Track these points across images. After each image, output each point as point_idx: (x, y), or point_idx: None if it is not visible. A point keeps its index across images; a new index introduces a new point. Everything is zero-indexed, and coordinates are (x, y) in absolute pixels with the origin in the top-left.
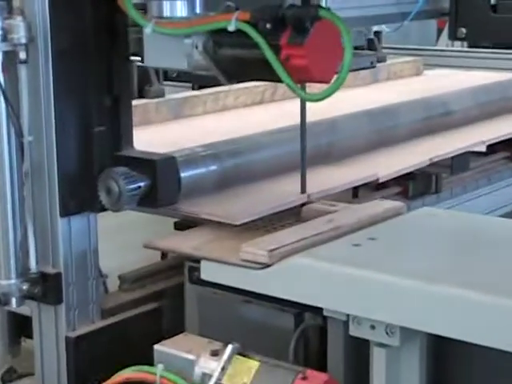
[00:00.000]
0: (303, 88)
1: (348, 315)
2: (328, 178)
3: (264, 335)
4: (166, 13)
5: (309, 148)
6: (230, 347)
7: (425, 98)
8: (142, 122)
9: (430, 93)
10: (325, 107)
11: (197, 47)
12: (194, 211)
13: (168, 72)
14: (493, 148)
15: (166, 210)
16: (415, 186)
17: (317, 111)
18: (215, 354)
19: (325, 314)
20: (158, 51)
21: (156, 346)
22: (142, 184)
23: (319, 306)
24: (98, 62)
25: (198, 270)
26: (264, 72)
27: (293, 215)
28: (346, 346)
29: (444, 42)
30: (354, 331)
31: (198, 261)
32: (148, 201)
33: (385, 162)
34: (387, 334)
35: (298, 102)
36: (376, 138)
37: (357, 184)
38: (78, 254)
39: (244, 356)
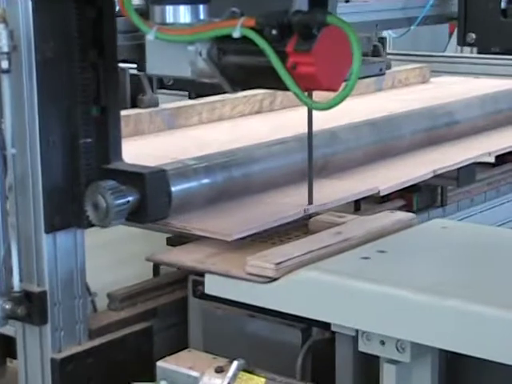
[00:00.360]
0: (310, 96)
1: (357, 330)
2: (328, 191)
3: (270, 351)
4: (169, 19)
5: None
6: (235, 363)
7: (429, 107)
8: (134, 132)
9: (435, 101)
10: (324, 117)
11: (201, 54)
12: (186, 227)
13: (163, 80)
14: (501, 158)
15: (156, 226)
16: (420, 198)
17: (316, 121)
18: (220, 370)
19: (333, 329)
20: (160, 58)
21: (159, 363)
22: (130, 198)
23: (327, 320)
24: (84, 71)
25: (201, 283)
26: (270, 80)
27: (300, 227)
28: (355, 363)
29: (453, 47)
30: (363, 347)
31: (201, 274)
32: (137, 216)
33: (387, 173)
34: (398, 349)
35: (297, 111)
36: (378, 150)
37: (358, 197)
38: (64, 271)
39: (250, 373)
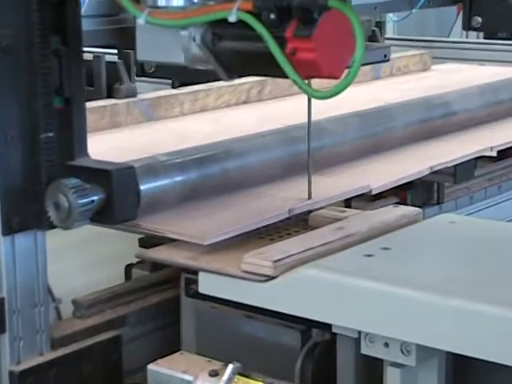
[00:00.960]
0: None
1: (359, 332)
2: (316, 189)
3: (268, 353)
4: (161, 2)
5: (292, 155)
6: (230, 367)
7: (425, 97)
8: (110, 125)
9: (434, 91)
10: (313, 109)
11: (194, 40)
12: (158, 229)
13: (144, 67)
14: (503, 153)
15: (127, 227)
16: (415, 196)
17: (303, 114)
18: (214, 374)
19: (334, 330)
20: (151, 44)
21: (150, 366)
22: (95, 198)
23: (328, 321)
24: (46, 59)
25: (195, 282)
26: (267, 66)
27: (299, 222)
28: (357, 366)
29: (458, 32)
30: (365, 349)
31: (195, 272)
32: (103, 217)
33: (379, 170)
34: (402, 352)
35: (287, 101)
36: (368, 143)
37: (348, 196)
38: (23, 276)
39: (246, 376)
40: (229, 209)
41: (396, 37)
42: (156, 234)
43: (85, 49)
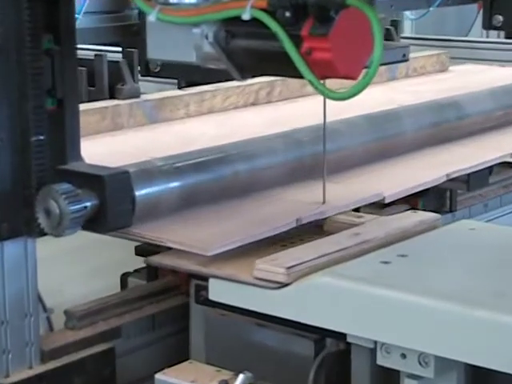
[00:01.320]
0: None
1: (375, 342)
2: (326, 196)
3: (280, 363)
4: None
5: (297, 159)
6: (241, 377)
7: (437, 99)
8: (111, 127)
9: (451, 93)
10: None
11: (207, 38)
12: (159, 238)
13: (149, 66)
14: None
15: (125, 235)
16: (427, 203)
17: (311, 117)
18: None
19: (349, 340)
20: (162, 42)
21: (157, 375)
22: (87, 204)
23: (342, 331)
24: (37, 59)
25: (205, 288)
26: (282, 66)
27: (314, 228)
28: (373, 377)
29: (478, 31)
30: (381, 360)
31: (205, 279)
32: (96, 224)
33: (393, 176)
34: (420, 364)
35: (297, 102)
36: (381, 147)
37: (361, 204)
38: (12, 286)
39: None
40: (233, 216)
41: (412, 36)
42: (157, 243)
43: (87, 47)
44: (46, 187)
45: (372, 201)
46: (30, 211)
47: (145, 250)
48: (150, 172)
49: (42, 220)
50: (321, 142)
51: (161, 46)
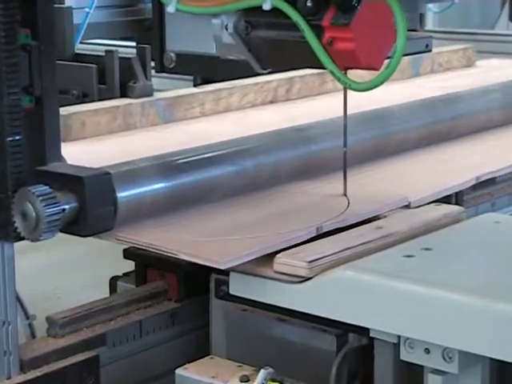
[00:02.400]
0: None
1: (399, 337)
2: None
3: (301, 358)
4: None
5: (289, 159)
6: (262, 372)
7: (451, 94)
8: (123, 127)
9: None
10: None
11: (227, 28)
12: (173, 250)
13: (164, 62)
14: None
15: (114, 239)
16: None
17: (335, 114)
18: (245, 379)
19: (372, 335)
20: (181, 33)
21: (178, 371)
22: (66, 207)
23: (365, 325)
24: (12, 55)
25: (225, 283)
26: (303, 57)
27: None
28: (396, 372)
29: (504, 24)
30: (405, 355)
31: (226, 273)
32: (75, 227)
33: (415, 175)
34: (444, 359)
35: (318, 100)
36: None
37: (385, 211)
38: None
39: (278, 382)
40: (221, 221)
41: (436, 29)
42: (169, 255)
43: (99, 42)
44: (22, 189)
45: (397, 206)
46: (6, 215)
47: (133, 252)
48: (134, 173)
49: (18, 224)
50: (322, 140)
51: (180, 38)
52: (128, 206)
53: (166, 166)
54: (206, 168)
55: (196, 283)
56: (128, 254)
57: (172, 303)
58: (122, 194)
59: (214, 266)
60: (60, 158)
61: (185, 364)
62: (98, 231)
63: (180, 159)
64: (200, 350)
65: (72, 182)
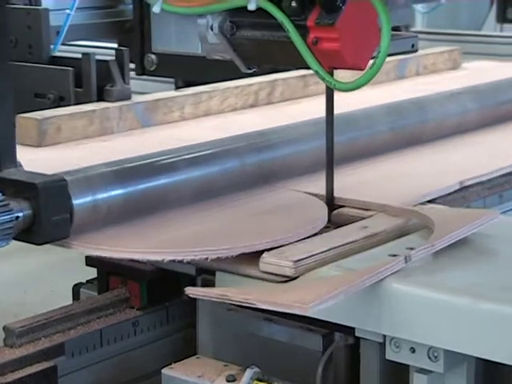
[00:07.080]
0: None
1: (384, 336)
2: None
3: (288, 358)
4: None
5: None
6: (248, 372)
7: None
8: (100, 131)
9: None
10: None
11: (212, 29)
12: (249, 299)
13: (144, 65)
14: None
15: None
16: None
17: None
18: (232, 379)
19: (357, 334)
20: (166, 33)
21: (164, 370)
22: (19, 214)
23: (351, 325)
24: None
25: (212, 282)
26: (288, 57)
27: None
28: (382, 372)
29: (491, 25)
30: (391, 355)
31: (212, 273)
32: (30, 235)
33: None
34: (430, 358)
35: (300, 103)
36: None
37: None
38: None
39: (265, 382)
40: (182, 227)
41: (423, 30)
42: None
43: (80, 43)
44: None
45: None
46: None
47: (95, 259)
48: (91, 178)
49: None
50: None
51: (165, 38)
52: (84, 213)
53: (125, 171)
54: (165, 173)
55: (159, 291)
56: (90, 260)
57: (134, 311)
58: (77, 201)
59: (302, 313)
60: (15, 164)
61: (148, 373)
62: (53, 239)
63: (139, 164)
64: (165, 358)
65: (26, 188)
